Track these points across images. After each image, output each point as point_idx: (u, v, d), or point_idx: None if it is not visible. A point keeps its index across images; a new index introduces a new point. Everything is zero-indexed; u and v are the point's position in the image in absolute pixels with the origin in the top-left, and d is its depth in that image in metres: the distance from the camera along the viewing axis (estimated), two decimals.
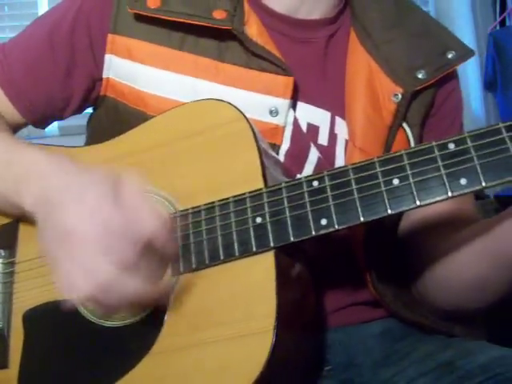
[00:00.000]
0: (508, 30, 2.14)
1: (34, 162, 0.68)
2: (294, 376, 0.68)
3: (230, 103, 0.71)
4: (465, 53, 0.83)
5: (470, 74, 2.17)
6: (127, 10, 0.78)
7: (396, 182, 0.60)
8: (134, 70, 0.79)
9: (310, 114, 0.81)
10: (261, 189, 0.65)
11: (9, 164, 0.71)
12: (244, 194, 0.66)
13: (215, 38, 0.78)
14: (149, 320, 0.66)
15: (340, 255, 0.78)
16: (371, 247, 0.78)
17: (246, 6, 0.80)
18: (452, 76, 0.87)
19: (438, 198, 0.59)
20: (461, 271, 0.74)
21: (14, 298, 0.75)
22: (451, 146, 0.59)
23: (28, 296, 0.74)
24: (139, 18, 0.79)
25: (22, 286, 0.75)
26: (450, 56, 0.82)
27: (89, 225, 0.59)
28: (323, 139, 0.81)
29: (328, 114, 0.82)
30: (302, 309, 0.68)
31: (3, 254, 0.77)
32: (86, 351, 0.69)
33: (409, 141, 0.80)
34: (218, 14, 0.76)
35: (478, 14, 2.17)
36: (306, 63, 0.83)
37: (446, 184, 0.59)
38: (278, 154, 0.78)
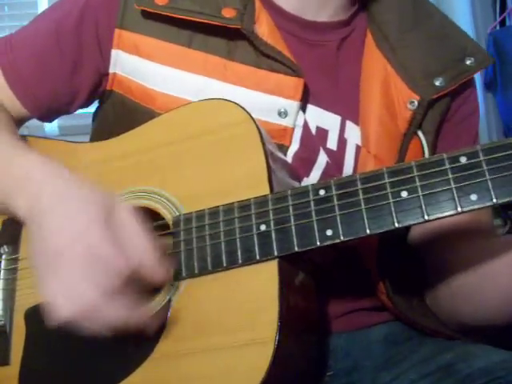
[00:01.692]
0: (508, 30, 2.08)
1: (29, 169, 0.67)
2: (295, 382, 0.67)
3: (237, 103, 0.69)
4: (483, 59, 0.80)
5: None
6: (135, 6, 0.77)
7: (404, 194, 0.59)
8: (141, 66, 0.78)
9: (319, 117, 0.79)
10: (266, 195, 0.64)
11: (5, 168, 0.69)
12: (249, 199, 0.65)
13: (224, 37, 0.76)
14: None
15: (347, 261, 0.77)
16: (384, 253, 0.76)
17: (257, 4, 0.78)
18: (470, 83, 0.84)
19: (447, 214, 0.58)
20: (498, 282, 0.71)
21: (16, 295, 0.75)
22: (463, 160, 0.58)
23: (31, 293, 0.73)
24: (147, 14, 0.77)
25: (24, 283, 0.75)
26: (468, 62, 0.79)
27: (76, 249, 0.58)
28: (332, 144, 0.79)
29: (338, 118, 0.80)
30: (304, 317, 0.68)
31: (7, 249, 0.77)
32: (87, 351, 0.69)
33: (423, 149, 0.78)
34: (227, 13, 0.74)
35: (478, 13, 2.11)
36: (317, 66, 0.81)
37: (456, 199, 0.57)
38: (285, 155, 0.76)
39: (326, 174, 0.77)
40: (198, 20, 0.75)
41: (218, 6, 0.75)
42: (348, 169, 0.79)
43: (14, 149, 0.72)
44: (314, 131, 0.78)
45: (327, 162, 0.78)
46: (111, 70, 0.80)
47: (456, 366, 0.70)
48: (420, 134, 0.78)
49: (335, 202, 0.61)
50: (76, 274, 0.58)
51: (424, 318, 0.79)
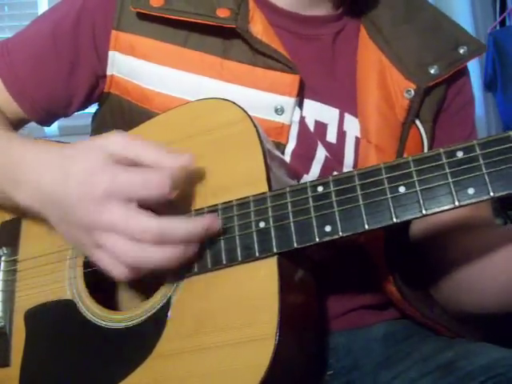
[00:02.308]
0: (508, 29, 2.12)
1: (21, 156, 0.68)
2: (295, 381, 0.67)
3: (234, 102, 0.69)
4: (477, 47, 0.82)
5: (470, 74, 2.20)
6: (130, 8, 0.77)
7: (402, 189, 0.59)
8: (137, 66, 0.78)
9: (317, 111, 0.79)
10: (265, 192, 0.64)
11: (2, 159, 0.71)
12: (248, 197, 0.65)
13: (220, 36, 0.77)
14: (150, 322, 0.66)
15: (347, 258, 0.77)
16: (391, 246, 0.76)
17: (251, 3, 0.78)
18: (463, 72, 0.86)
19: (445, 208, 0.57)
20: (496, 273, 0.71)
21: (16, 297, 0.75)
22: (459, 154, 0.58)
23: (30, 295, 0.74)
24: (143, 16, 0.77)
25: (24, 284, 0.75)
26: (461, 51, 0.81)
27: (101, 217, 0.59)
28: (332, 137, 0.79)
29: (336, 111, 0.80)
30: (304, 313, 0.68)
31: (5, 251, 0.77)
32: (87, 352, 0.69)
33: (422, 137, 0.79)
34: (222, 13, 0.75)
35: (478, 14, 2.14)
36: (313, 60, 0.81)
37: (453, 193, 0.57)
38: (283, 153, 0.76)
39: (325, 167, 0.77)
40: (193, 21, 0.75)
41: (212, 6, 0.76)
42: (348, 160, 0.79)
43: (9, 140, 0.73)
44: (312, 126, 0.79)
45: (326, 156, 0.78)
46: (109, 72, 0.80)
47: (457, 363, 0.70)
48: (418, 122, 0.79)
49: (333, 198, 0.61)
50: (111, 236, 0.59)
51: (429, 310, 0.79)
